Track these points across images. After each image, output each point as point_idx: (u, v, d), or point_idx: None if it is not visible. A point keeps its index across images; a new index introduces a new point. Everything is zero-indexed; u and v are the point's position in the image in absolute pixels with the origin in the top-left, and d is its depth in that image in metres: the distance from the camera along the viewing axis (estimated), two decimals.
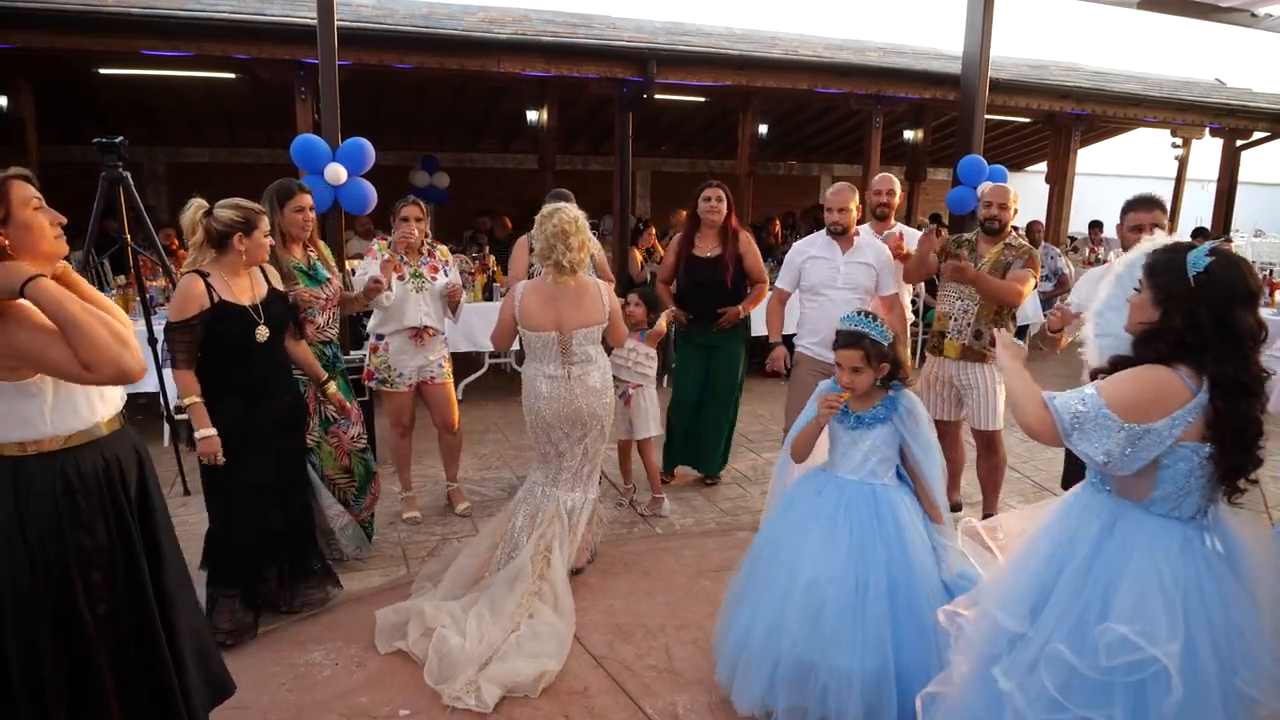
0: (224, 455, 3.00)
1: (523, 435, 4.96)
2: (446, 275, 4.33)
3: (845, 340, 2.74)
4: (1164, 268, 1.92)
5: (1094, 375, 2.06)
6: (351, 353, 5.56)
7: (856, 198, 4.33)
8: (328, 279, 3.80)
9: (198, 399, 2.98)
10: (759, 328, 4.92)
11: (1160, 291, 1.90)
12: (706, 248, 4.74)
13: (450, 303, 4.31)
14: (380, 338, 4.26)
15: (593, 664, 3.17)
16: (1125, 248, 3.37)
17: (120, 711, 2.10)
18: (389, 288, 4.03)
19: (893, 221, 4.91)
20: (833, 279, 4.28)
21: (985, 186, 4.33)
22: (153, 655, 2.16)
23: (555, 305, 3.51)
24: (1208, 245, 1.91)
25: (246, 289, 3.10)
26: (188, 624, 2.29)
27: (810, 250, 4.38)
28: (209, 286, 2.98)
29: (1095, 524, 1.99)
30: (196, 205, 3.03)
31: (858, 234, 4.37)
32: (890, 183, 4.91)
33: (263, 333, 3.07)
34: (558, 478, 3.67)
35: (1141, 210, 3.42)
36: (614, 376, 4.55)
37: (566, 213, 3.47)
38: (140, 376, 2.02)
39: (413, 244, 4.20)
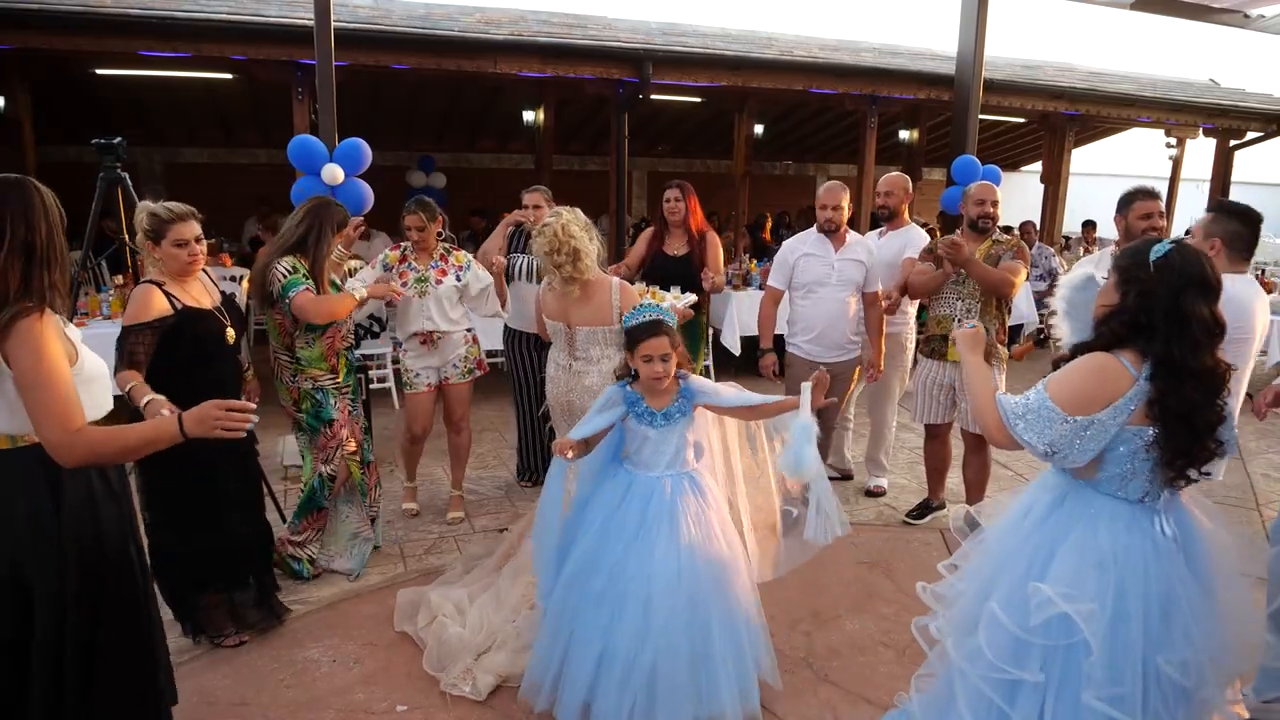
0: (196, 467, 2.94)
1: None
2: (459, 279, 4.27)
3: (650, 330, 2.72)
4: (1129, 255, 2.04)
5: (1055, 364, 2.14)
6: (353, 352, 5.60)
7: (848, 196, 4.36)
8: (342, 288, 3.84)
9: (136, 380, 2.87)
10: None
11: (1122, 274, 2.01)
12: (675, 246, 4.84)
13: (501, 297, 4.39)
14: (399, 343, 4.34)
15: None
16: (1133, 237, 3.39)
17: (120, 686, 2.17)
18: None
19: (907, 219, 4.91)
20: (827, 276, 4.30)
21: (974, 185, 4.29)
22: (146, 629, 2.25)
23: (565, 300, 3.53)
24: (1171, 239, 2.02)
25: (203, 293, 3.09)
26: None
27: (803, 248, 4.39)
28: (168, 294, 2.95)
29: (1048, 496, 2.10)
30: (139, 209, 3.02)
31: (849, 231, 4.40)
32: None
33: (231, 335, 3.09)
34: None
35: (1148, 200, 3.48)
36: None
37: (547, 231, 3.38)
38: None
39: (422, 246, 4.22)
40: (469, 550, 3.93)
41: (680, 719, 2.55)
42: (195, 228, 3.00)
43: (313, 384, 3.64)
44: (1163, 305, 1.91)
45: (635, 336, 2.74)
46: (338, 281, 3.77)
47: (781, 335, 4.58)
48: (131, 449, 2.03)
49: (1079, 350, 2.05)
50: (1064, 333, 2.33)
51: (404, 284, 4.16)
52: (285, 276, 3.50)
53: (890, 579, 3.86)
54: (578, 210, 3.51)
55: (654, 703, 2.55)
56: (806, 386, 2.68)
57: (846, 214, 4.33)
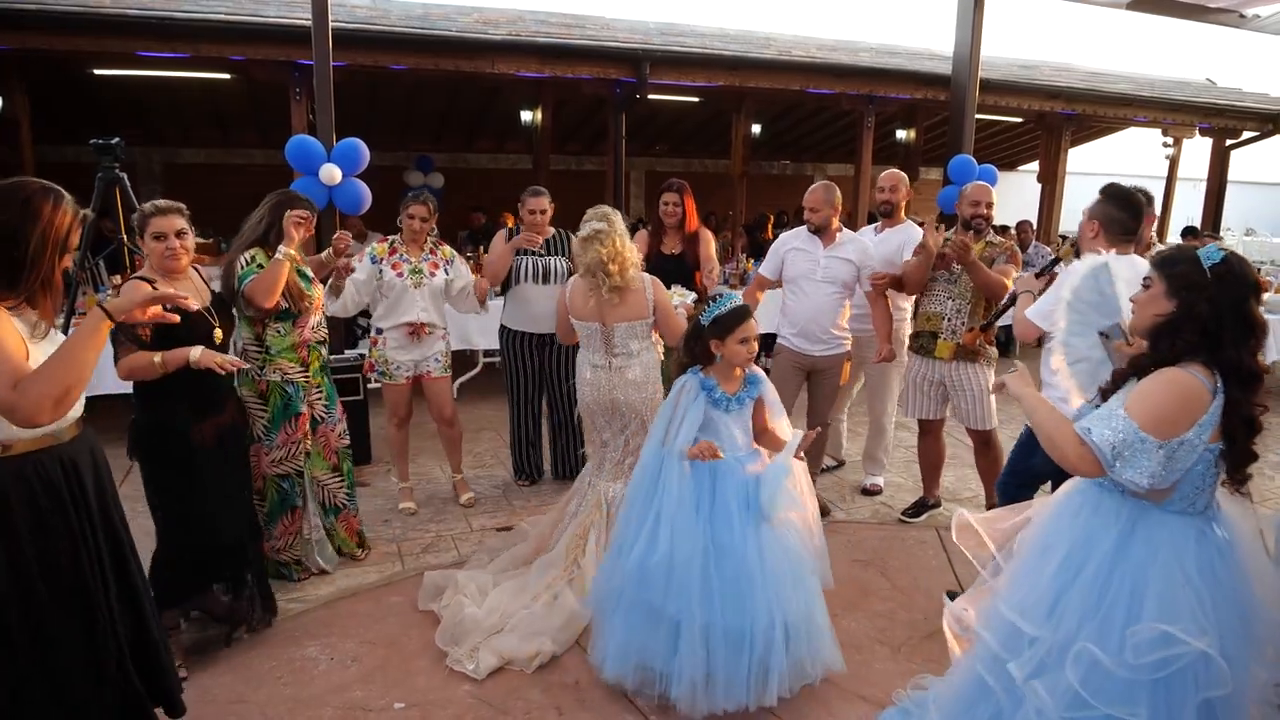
0: (179, 460, 2.94)
1: None
2: (448, 274, 4.38)
3: (745, 314, 2.81)
4: (1178, 260, 1.98)
5: (1115, 377, 2.08)
6: (346, 352, 5.61)
7: (835, 196, 4.36)
8: (313, 279, 3.80)
9: (159, 354, 2.87)
10: None
11: (1177, 281, 1.96)
12: (671, 245, 4.91)
13: (479, 296, 4.43)
14: (380, 331, 4.34)
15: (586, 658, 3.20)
16: None
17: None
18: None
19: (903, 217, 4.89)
20: (812, 272, 4.33)
21: (969, 186, 4.31)
22: (122, 660, 2.17)
23: (602, 303, 3.55)
24: (1216, 245, 2.01)
25: (192, 292, 2.96)
26: (158, 628, 2.33)
27: (794, 242, 4.45)
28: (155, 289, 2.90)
29: (1114, 526, 2.02)
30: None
31: (840, 230, 4.41)
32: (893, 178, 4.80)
33: (219, 335, 3.08)
34: (602, 467, 3.72)
35: None
36: None
37: (602, 244, 3.44)
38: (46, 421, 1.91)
39: (416, 239, 4.31)
40: (489, 543, 4.02)
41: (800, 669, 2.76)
42: (176, 222, 2.94)
43: (281, 376, 3.59)
44: (1231, 312, 1.90)
45: (729, 322, 2.80)
46: (308, 272, 3.75)
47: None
48: (79, 358, 1.89)
49: (1140, 367, 1.99)
50: (1062, 325, 2.25)
51: (398, 274, 4.24)
52: (242, 268, 3.50)
53: (885, 577, 3.88)
54: (618, 214, 3.58)
55: (772, 668, 2.69)
56: (799, 434, 2.82)
57: (832, 214, 4.33)
